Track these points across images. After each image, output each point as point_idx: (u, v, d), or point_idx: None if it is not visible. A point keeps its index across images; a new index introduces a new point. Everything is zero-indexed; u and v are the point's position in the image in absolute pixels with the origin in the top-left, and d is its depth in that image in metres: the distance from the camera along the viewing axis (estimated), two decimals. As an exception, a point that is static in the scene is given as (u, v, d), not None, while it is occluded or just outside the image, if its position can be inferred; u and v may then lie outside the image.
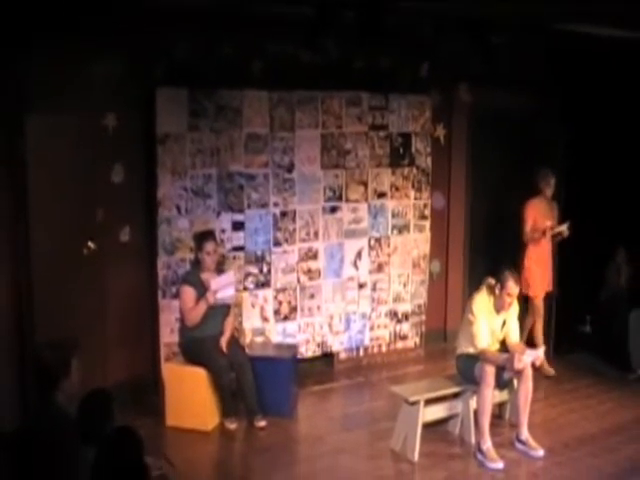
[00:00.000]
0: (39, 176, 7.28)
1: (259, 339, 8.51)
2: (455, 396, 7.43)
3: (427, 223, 9.72)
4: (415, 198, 9.60)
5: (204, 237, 7.70)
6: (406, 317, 9.67)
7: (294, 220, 8.74)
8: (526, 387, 7.27)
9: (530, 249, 9.07)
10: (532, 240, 9.03)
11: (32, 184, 7.25)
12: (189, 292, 7.56)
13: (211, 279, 7.59)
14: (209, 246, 7.61)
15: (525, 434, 7.33)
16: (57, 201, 7.43)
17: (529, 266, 9.04)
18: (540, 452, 7.23)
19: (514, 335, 7.47)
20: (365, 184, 9.23)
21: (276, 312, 8.74)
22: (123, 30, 7.40)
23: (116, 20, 7.26)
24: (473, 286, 8.11)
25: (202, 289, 7.56)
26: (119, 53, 7.58)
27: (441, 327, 10.09)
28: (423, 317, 9.81)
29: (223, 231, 8.35)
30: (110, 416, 5.10)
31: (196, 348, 7.51)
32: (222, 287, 7.61)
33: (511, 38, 8.87)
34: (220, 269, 7.89)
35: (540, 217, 8.98)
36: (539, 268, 9.07)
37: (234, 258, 8.41)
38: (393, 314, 9.57)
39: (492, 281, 7.33)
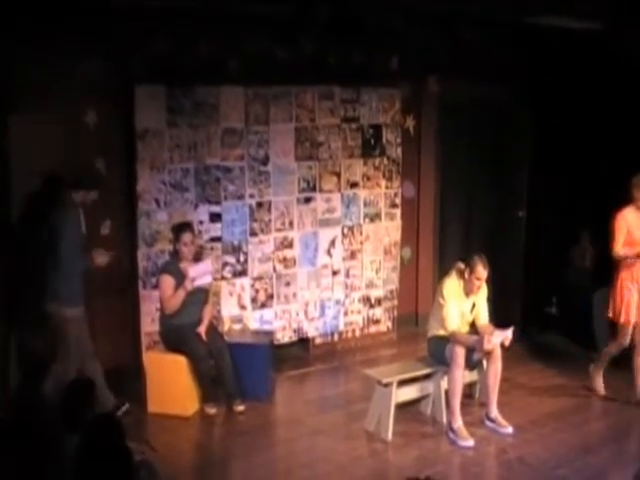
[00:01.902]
0: (22, 173, 7.28)
1: (237, 326, 8.54)
2: (427, 377, 7.47)
3: (398, 211, 9.77)
4: (386, 187, 9.64)
5: (181, 229, 7.70)
6: (379, 302, 9.72)
7: (269, 211, 8.76)
8: (495, 367, 7.32)
9: (623, 269, 7.96)
10: (625, 261, 7.88)
11: (16, 181, 7.26)
12: (168, 281, 7.57)
13: (189, 268, 7.62)
14: (186, 237, 7.62)
15: (494, 412, 7.38)
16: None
17: (620, 289, 7.90)
18: (509, 429, 7.30)
19: (483, 317, 7.50)
20: (338, 175, 9.27)
21: (253, 300, 8.76)
22: (103, 29, 7.39)
23: (96, 19, 7.24)
24: (443, 271, 8.14)
25: (180, 278, 7.56)
26: (99, 52, 7.54)
27: (412, 311, 10.13)
28: (395, 302, 9.86)
29: (201, 223, 8.36)
30: (92, 404, 5.15)
31: (176, 336, 7.53)
32: (200, 275, 7.62)
33: (478, 31, 8.92)
34: (198, 259, 7.89)
35: (634, 230, 7.88)
36: (634, 292, 7.89)
37: (212, 249, 8.42)
38: (366, 300, 9.62)
39: (461, 265, 7.36)
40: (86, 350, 7.07)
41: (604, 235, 9.67)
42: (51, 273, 6.97)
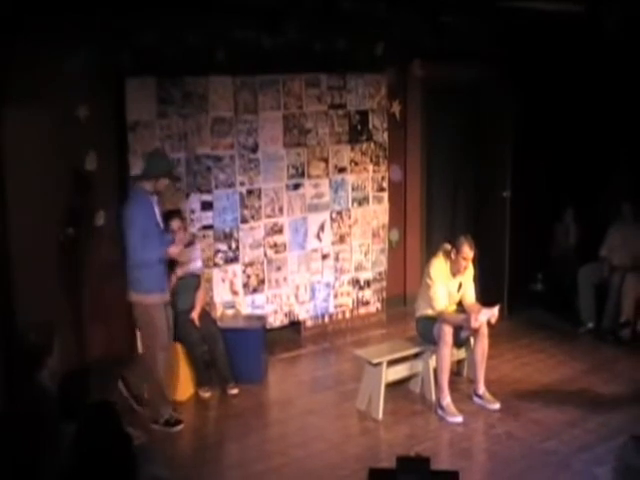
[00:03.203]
0: (16, 167, 7.28)
1: (229, 311, 8.56)
2: (415, 356, 7.50)
3: (385, 195, 9.76)
4: (373, 172, 9.63)
5: (170, 215, 7.61)
6: (368, 284, 9.73)
7: (260, 198, 8.75)
8: (482, 344, 7.35)
9: None
10: None
11: (9, 175, 7.26)
12: None
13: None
14: (175, 224, 7.53)
15: (482, 389, 7.42)
16: (33, 190, 7.42)
17: None
18: (497, 405, 7.34)
19: (470, 296, 7.54)
20: (326, 160, 9.25)
21: (245, 285, 8.77)
22: (92, 23, 7.36)
23: (85, 13, 7.21)
24: (430, 252, 8.17)
25: (171, 264, 7.53)
26: (89, 46, 7.51)
27: (401, 292, 10.15)
28: (384, 283, 9.87)
29: (193, 211, 8.35)
30: (88, 393, 5.17)
31: (170, 323, 7.57)
32: (190, 260, 7.65)
33: (461, 15, 8.92)
34: (189, 245, 7.84)
35: None
36: None
37: (204, 237, 8.40)
38: (355, 282, 9.63)
39: (448, 246, 7.39)
40: (165, 338, 7.02)
41: (587, 212, 9.78)
42: (127, 262, 6.92)
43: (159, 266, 6.93)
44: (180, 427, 6.97)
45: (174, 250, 7.06)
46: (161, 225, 7.04)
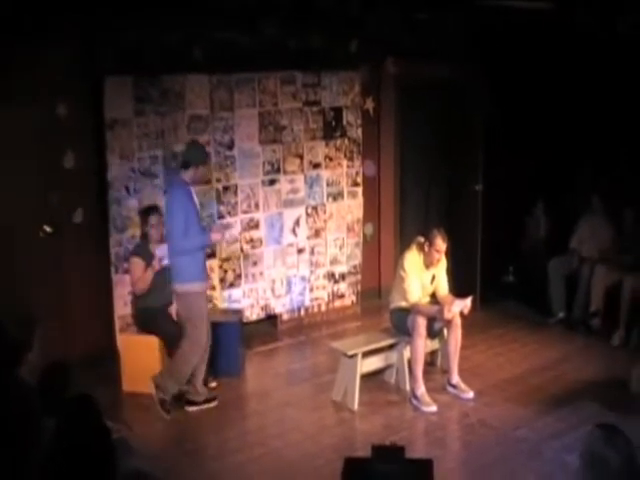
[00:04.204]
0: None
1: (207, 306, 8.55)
2: (390, 347, 7.52)
3: (360, 190, 9.78)
4: (348, 167, 9.64)
5: (148, 211, 7.66)
6: (343, 277, 9.75)
7: (236, 194, 8.73)
8: (455, 335, 7.39)
9: None
10: None
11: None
12: (137, 263, 7.53)
13: (156, 249, 7.59)
14: (153, 219, 7.57)
15: (456, 378, 7.45)
16: (12, 189, 7.41)
17: None
18: (470, 394, 7.37)
19: (443, 288, 7.56)
20: (301, 157, 9.26)
21: (222, 280, 8.75)
22: (71, 23, 7.35)
23: (63, 12, 7.19)
24: (404, 246, 8.18)
25: (150, 259, 7.53)
26: (67, 45, 7.50)
27: (375, 285, 10.17)
28: (359, 277, 9.89)
29: (170, 208, 8.37)
30: (68, 387, 5.15)
31: (148, 318, 7.50)
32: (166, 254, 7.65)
33: (433, 13, 8.95)
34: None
35: None
36: None
37: (181, 232, 8.42)
38: (331, 275, 9.65)
39: (421, 239, 7.40)
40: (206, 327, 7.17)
41: (557, 206, 9.84)
42: (170, 254, 7.05)
43: (201, 254, 7.07)
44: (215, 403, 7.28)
45: (216, 236, 7.12)
46: (200, 214, 7.14)
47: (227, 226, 7.80)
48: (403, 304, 7.40)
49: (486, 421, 6.93)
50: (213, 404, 7.26)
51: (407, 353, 7.42)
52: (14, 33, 7.10)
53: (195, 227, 6.94)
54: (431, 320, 7.30)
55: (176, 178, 7.15)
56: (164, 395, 7.07)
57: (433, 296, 7.60)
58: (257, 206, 8.93)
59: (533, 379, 7.81)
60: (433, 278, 7.51)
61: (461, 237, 9.30)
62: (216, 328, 7.61)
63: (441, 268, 7.54)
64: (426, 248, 7.34)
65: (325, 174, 9.48)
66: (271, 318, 9.27)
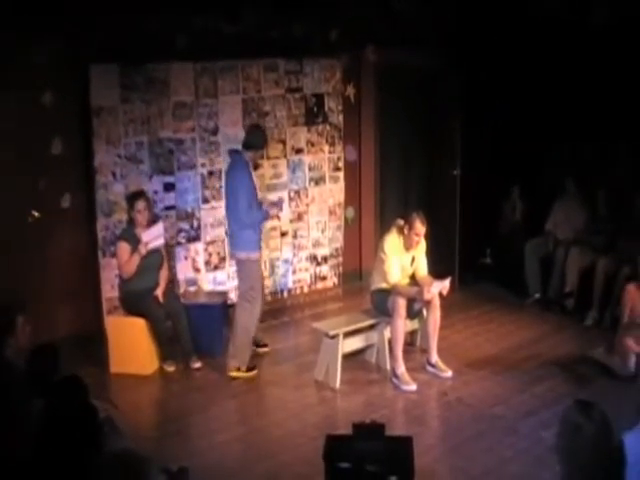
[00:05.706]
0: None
1: (192, 288, 8.54)
2: (371, 328, 7.52)
3: (341, 174, 9.77)
4: (329, 152, 9.63)
5: (135, 197, 7.64)
6: (325, 260, 9.75)
7: (220, 178, 8.64)
8: (435, 315, 7.38)
9: None
10: None
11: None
12: (124, 247, 7.50)
13: (142, 233, 7.57)
14: (139, 204, 7.55)
15: (435, 358, 7.46)
16: (1, 175, 7.38)
17: None
18: (449, 373, 7.39)
19: (422, 269, 7.54)
20: (284, 142, 9.23)
21: (207, 263, 8.74)
22: (57, 11, 7.27)
23: (50, 1, 7.15)
24: (384, 228, 8.17)
25: (136, 244, 7.50)
26: (53, 33, 7.42)
27: (357, 267, 10.13)
28: (340, 259, 9.89)
29: (156, 192, 8.29)
30: (57, 369, 5.13)
31: (135, 301, 7.48)
32: (153, 238, 7.58)
33: (412, 1, 8.93)
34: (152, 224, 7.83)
35: None
36: None
37: (166, 217, 8.34)
38: (313, 258, 9.64)
39: (401, 222, 7.37)
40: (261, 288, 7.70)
41: (532, 189, 9.85)
42: (234, 226, 7.40)
43: (259, 227, 7.48)
44: (255, 372, 7.49)
45: (273, 211, 7.72)
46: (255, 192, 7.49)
47: (279, 202, 7.88)
48: (383, 285, 7.39)
49: (464, 399, 6.95)
50: (254, 373, 7.48)
51: (387, 333, 7.41)
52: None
53: (256, 202, 7.37)
54: (411, 301, 7.29)
55: (238, 158, 7.42)
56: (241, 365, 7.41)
57: (413, 278, 7.58)
58: (241, 190, 8.88)
59: (510, 358, 7.82)
60: (413, 260, 7.49)
61: (440, 220, 9.27)
62: (201, 310, 7.61)
63: (420, 250, 7.53)
64: (406, 231, 7.32)
65: (307, 159, 9.46)
66: (255, 300, 9.23)
